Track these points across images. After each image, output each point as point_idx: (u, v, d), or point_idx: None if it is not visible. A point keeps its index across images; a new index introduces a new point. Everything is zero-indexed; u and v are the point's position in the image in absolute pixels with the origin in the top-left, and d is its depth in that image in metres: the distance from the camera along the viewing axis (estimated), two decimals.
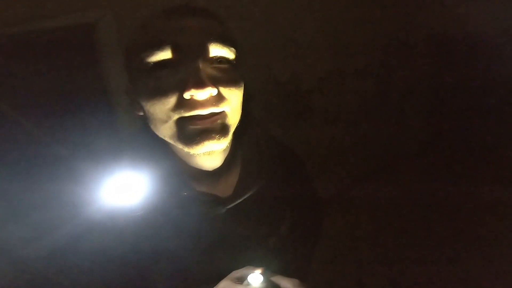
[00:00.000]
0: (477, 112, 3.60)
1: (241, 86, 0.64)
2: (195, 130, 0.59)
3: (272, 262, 0.67)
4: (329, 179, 3.11)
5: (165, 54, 0.58)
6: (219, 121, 0.60)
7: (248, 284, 0.62)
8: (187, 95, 0.57)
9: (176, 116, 0.59)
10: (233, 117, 0.63)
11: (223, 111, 0.61)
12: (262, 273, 0.63)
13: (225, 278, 0.62)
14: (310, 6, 2.92)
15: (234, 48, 0.62)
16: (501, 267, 2.16)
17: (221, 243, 0.70)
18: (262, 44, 2.67)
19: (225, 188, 0.72)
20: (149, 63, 0.59)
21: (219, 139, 0.60)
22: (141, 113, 0.65)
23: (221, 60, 0.61)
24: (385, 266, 2.36)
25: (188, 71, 0.57)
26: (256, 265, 0.64)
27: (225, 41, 0.61)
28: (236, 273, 0.63)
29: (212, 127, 0.59)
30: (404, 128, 3.73)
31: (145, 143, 0.69)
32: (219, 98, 0.59)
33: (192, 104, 0.57)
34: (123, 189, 0.64)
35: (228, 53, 0.61)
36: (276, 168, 0.78)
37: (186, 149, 0.61)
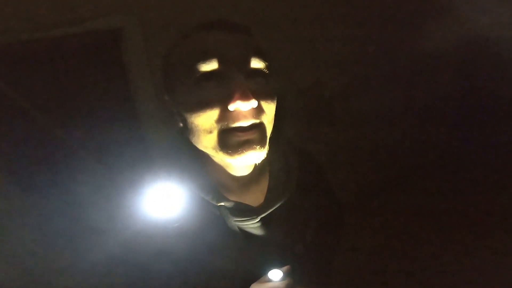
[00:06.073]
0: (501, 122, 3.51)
1: (275, 99, 0.66)
2: (238, 141, 0.61)
3: (298, 267, 0.70)
4: (351, 186, 3.09)
5: (211, 66, 0.60)
6: (258, 133, 0.62)
7: (270, 280, 0.66)
8: (232, 107, 0.59)
9: (219, 127, 0.61)
10: (269, 129, 0.66)
11: (262, 123, 0.63)
12: (285, 271, 0.66)
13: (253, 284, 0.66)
14: (332, 12, 2.90)
15: (268, 62, 0.65)
16: None
17: (252, 250, 0.72)
18: (285, 51, 2.68)
19: (256, 197, 0.73)
20: (194, 74, 0.60)
21: (260, 149, 0.62)
22: (181, 124, 0.67)
23: (259, 73, 0.63)
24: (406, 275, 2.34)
25: (233, 83, 0.59)
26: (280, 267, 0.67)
27: (262, 56, 0.63)
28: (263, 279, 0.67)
29: (253, 138, 0.62)
30: (428, 135, 3.66)
31: (181, 156, 0.71)
32: (259, 110, 0.62)
33: (236, 116, 0.60)
34: (162, 201, 0.65)
35: (265, 67, 0.64)
36: (302, 178, 0.80)
37: (228, 159, 0.63)
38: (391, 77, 3.34)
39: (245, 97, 0.58)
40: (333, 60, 2.95)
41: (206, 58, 0.60)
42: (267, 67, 0.64)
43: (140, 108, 2.02)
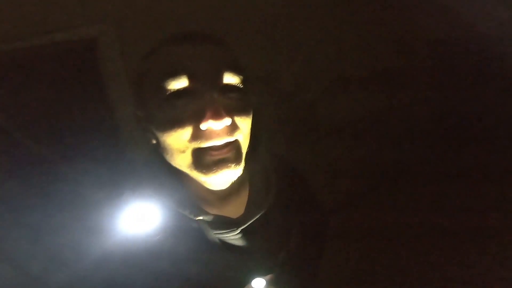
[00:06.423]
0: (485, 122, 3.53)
1: (251, 114, 0.65)
2: (212, 160, 0.60)
3: (281, 275, 0.70)
4: (333, 192, 3.10)
5: (181, 83, 0.58)
6: (233, 151, 0.61)
7: None
8: (204, 126, 0.57)
9: (193, 147, 0.59)
10: (245, 144, 0.65)
11: (237, 140, 0.62)
12: (269, 280, 0.66)
13: None
14: (312, 15, 2.93)
15: (242, 76, 0.62)
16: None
17: (234, 261, 0.71)
18: (266, 55, 2.68)
19: (236, 209, 0.72)
20: (164, 92, 0.58)
21: (235, 167, 0.61)
22: (154, 141, 0.65)
23: (233, 88, 0.61)
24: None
25: (204, 101, 0.57)
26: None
27: (236, 70, 0.61)
28: None
29: (227, 156, 0.60)
30: (410, 138, 3.69)
31: (157, 171, 0.69)
32: (233, 127, 0.60)
33: (208, 134, 0.58)
34: (139, 217, 0.64)
35: (238, 81, 0.62)
36: (283, 187, 0.79)
37: (203, 177, 0.62)
38: (375, 78, 3.37)
39: (217, 115, 0.56)
40: (313, 63, 2.97)
41: (175, 75, 0.57)
42: (242, 81, 0.62)
43: (118, 119, 1.98)
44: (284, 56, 2.81)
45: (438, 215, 2.86)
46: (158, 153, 0.68)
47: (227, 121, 0.57)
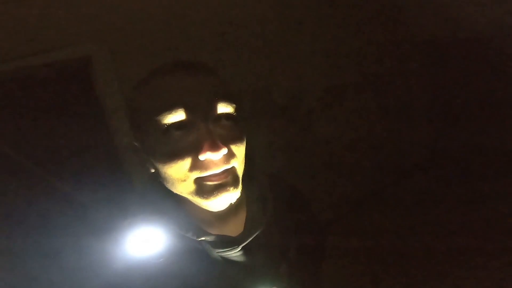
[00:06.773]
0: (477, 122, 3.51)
1: (245, 140, 0.67)
2: (212, 186, 0.62)
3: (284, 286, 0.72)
4: (331, 200, 3.11)
5: (178, 116, 0.60)
6: (230, 175, 0.64)
7: None
8: (202, 157, 0.59)
9: (194, 176, 0.62)
10: (241, 169, 0.68)
11: (233, 166, 0.64)
12: None
13: None
14: (302, 26, 2.95)
15: (235, 104, 0.65)
16: None
17: (237, 276, 0.73)
18: (260, 68, 2.70)
19: (236, 228, 0.75)
20: (161, 125, 0.61)
21: (233, 190, 0.64)
22: (153, 170, 0.68)
23: (227, 117, 0.63)
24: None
25: (201, 133, 0.60)
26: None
27: (229, 99, 0.64)
28: None
29: (226, 181, 0.63)
30: (406, 143, 3.70)
31: (158, 196, 0.72)
32: (230, 155, 0.63)
33: (207, 164, 0.61)
34: (143, 241, 0.66)
35: (232, 110, 0.64)
36: (279, 203, 0.82)
37: (204, 202, 0.64)
38: (368, 84, 3.37)
39: (214, 147, 0.58)
40: (305, 74, 2.99)
41: (171, 109, 0.59)
42: (235, 109, 0.64)
43: (116, 140, 1.97)
44: (275, 69, 2.82)
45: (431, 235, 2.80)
46: (158, 180, 0.70)
47: (224, 151, 0.59)
